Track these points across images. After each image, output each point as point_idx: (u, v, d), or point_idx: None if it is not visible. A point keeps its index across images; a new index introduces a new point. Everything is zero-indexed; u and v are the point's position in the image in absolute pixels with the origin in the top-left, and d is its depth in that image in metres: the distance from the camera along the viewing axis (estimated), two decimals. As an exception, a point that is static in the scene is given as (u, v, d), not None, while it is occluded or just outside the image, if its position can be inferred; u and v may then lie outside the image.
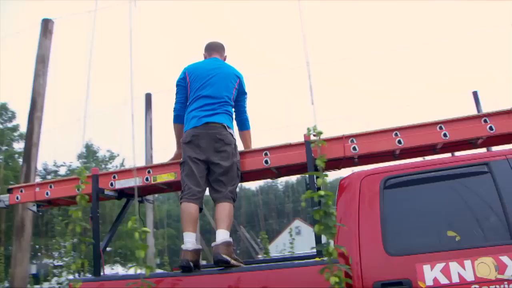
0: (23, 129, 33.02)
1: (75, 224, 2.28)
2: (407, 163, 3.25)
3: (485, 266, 2.57)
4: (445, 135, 3.39)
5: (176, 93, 3.92)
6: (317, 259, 3.11)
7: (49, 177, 33.56)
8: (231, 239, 3.30)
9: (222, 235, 3.28)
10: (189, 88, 3.79)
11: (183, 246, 3.26)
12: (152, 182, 3.90)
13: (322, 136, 2.31)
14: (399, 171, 3.06)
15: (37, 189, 4.36)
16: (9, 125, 30.55)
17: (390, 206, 2.91)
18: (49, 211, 23.24)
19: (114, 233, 4.50)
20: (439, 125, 3.42)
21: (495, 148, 3.68)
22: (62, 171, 36.92)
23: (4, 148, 29.49)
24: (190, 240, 3.29)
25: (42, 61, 7.44)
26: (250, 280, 2.96)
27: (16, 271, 7.27)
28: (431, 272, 2.62)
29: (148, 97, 11.98)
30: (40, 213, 4.87)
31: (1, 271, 11.10)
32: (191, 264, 3.18)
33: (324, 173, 3.40)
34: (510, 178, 2.77)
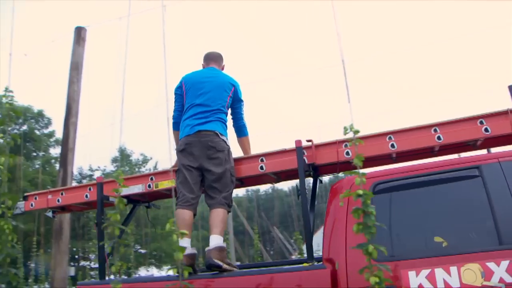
0: (58, 135, 33.81)
1: (113, 227, 2.33)
2: (398, 168, 3.22)
3: (471, 273, 2.54)
4: (439, 137, 3.33)
5: (174, 102, 4.03)
6: (305, 264, 3.11)
7: (84, 181, 34.26)
8: (224, 244, 3.40)
9: (215, 240, 3.36)
10: (184, 96, 3.91)
11: (187, 253, 3.33)
12: (154, 189, 4.01)
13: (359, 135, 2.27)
14: (389, 175, 3.04)
15: (50, 196, 4.58)
16: (46, 131, 31.33)
17: (379, 211, 2.72)
18: (85, 215, 23.69)
19: (120, 237, 4.53)
20: (434, 127, 3.35)
21: (494, 150, 3.54)
22: (97, 175, 37.64)
23: (41, 153, 30.21)
24: (185, 245, 3.34)
25: (76, 68, 7.60)
26: (241, 284, 3.03)
27: (56, 273, 7.44)
28: (416, 279, 2.61)
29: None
30: (55, 218, 5.14)
31: (42, 272, 11.39)
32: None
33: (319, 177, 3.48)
34: (501, 182, 2.70)
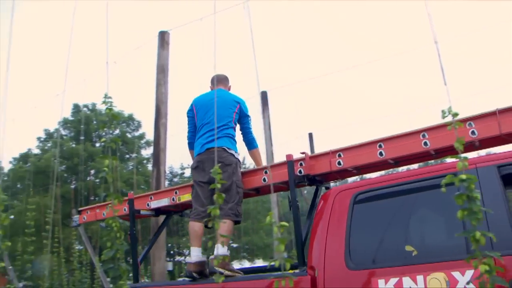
0: (149, 136, 35.33)
1: (213, 221, 2.45)
2: (379, 177, 3.35)
3: (436, 282, 2.56)
4: (425, 143, 3.27)
5: (187, 124, 4.47)
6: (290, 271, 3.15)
7: (175, 179, 35.54)
8: (228, 252, 3.77)
9: (219, 250, 3.68)
10: (196, 118, 4.32)
11: (188, 259, 3.88)
12: (177, 202, 4.41)
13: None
14: (369, 185, 3.15)
15: (97, 211, 5.24)
16: (137, 133, 32.82)
17: (357, 221, 2.98)
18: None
19: (153, 245, 5.48)
20: (422, 133, 3.29)
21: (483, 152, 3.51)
22: (187, 173, 38.84)
23: (133, 155, 31.67)
24: (194, 254, 3.84)
25: (162, 71, 7.90)
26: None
27: (155, 268, 7.78)
28: (385, 286, 2.67)
29: (264, 95, 12.25)
30: (107, 227, 5.52)
31: (141, 268, 12.03)
32: (194, 274, 3.75)
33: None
34: (476, 188, 2.56)
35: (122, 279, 2.60)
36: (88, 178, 33.09)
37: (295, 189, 3.58)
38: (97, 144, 37.37)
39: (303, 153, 3.71)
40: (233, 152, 4.09)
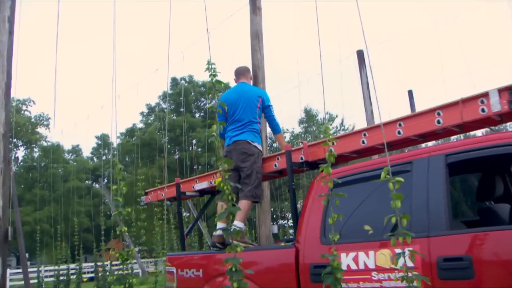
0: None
1: (327, 180, 2.52)
2: (352, 165, 3.89)
3: (383, 257, 3.07)
4: (399, 132, 3.72)
5: (217, 118, 5.12)
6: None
7: (274, 145, 35.96)
8: (243, 227, 4.57)
9: (238, 224, 4.48)
10: (227, 113, 4.95)
11: (214, 233, 4.65)
12: (213, 185, 5.02)
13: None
14: (344, 172, 3.70)
15: (159, 192, 6.16)
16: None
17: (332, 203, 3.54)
18: (281, 179, 24.95)
19: (197, 220, 7.04)
20: (399, 122, 3.74)
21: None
22: (286, 137, 39.14)
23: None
24: (220, 227, 4.44)
25: (256, 37, 7.98)
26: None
27: (261, 231, 8.00)
28: (346, 259, 3.26)
29: (360, 54, 11.96)
30: (171, 205, 6.63)
31: (247, 231, 12.48)
32: (218, 244, 4.51)
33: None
34: (423, 175, 3.09)
35: (235, 242, 2.74)
36: (190, 148, 34.48)
37: (292, 176, 4.34)
38: (197, 115, 38.69)
39: (302, 142, 4.38)
40: (256, 144, 4.82)
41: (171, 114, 36.70)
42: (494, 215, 3.47)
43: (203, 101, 40.68)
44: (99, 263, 14.38)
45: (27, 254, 17.56)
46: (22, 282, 18.33)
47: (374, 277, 3.12)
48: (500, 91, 3.22)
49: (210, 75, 2.91)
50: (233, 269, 2.68)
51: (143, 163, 29.56)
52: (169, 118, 35.12)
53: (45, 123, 47.71)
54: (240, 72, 5.28)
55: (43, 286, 16.27)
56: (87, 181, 44.16)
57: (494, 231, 2.84)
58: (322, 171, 2.84)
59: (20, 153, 44.22)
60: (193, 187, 5.56)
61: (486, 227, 3.10)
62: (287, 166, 4.32)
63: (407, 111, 13.07)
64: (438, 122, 3.52)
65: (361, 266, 3.21)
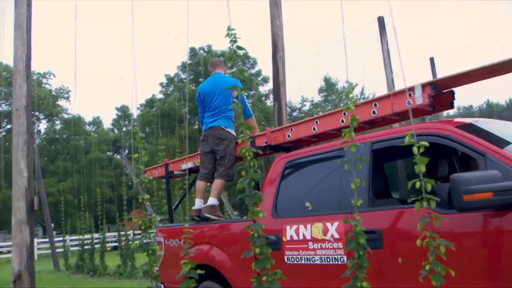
0: (265, 73, 35.68)
1: (353, 145, 2.51)
2: (306, 149, 4.46)
3: (316, 229, 3.63)
4: (342, 121, 4.13)
5: (198, 107, 5.77)
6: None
7: (294, 114, 35.83)
8: (216, 203, 5.21)
9: (210, 201, 5.18)
10: (203, 102, 5.57)
11: (193, 207, 5.42)
12: (197, 165, 5.77)
13: None
14: (297, 155, 4.27)
15: (153, 171, 6.67)
16: (253, 71, 33.26)
17: (285, 182, 4.17)
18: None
19: (184, 197, 7.23)
20: (343, 111, 4.09)
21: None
22: (306, 106, 38.90)
23: (251, 92, 32.30)
24: (197, 203, 5.38)
25: (274, 4, 7.97)
26: (210, 228, 4.80)
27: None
28: (289, 231, 3.82)
29: (381, 21, 11.72)
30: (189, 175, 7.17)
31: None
32: (195, 217, 5.27)
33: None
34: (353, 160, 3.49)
35: (256, 208, 2.77)
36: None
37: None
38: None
39: (266, 129, 4.96)
40: (229, 129, 5.33)
41: (190, 84, 36.76)
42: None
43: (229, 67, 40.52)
44: (122, 233, 14.67)
45: (52, 224, 18.04)
46: (49, 251, 18.92)
47: (310, 246, 3.70)
48: (424, 86, 3.59)
49: (230, 41, 2.89)
50: (255, 235, 2.74)
51: (163, 134, 29.79)
52: (189, 88, 35.17)
53: (66, 95, 48.27)
54: (216, 64, 5.80)
55: (69, 255, 16.75)
56: (108, 152, 44.80)
57: (399, 209, 3.44)
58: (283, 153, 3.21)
59: (42, 126, 44.99)
60: (180, 167, 6.16)
61: (395, 205, 3.81)
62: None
63: (429, 78, 12.90)
64: (374, 112, 3.97)
65: (301, 237, 3.78)
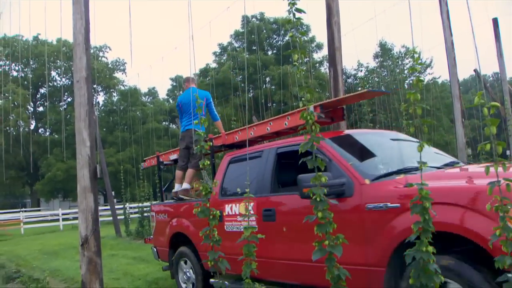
0: (318, 39, 35.10)
1: (414, 107, 2.48)
2: (241, 149, 6.00)
3: (242, 207, 5.06)
4: (267, 129, 5.95)
5: (178, 114, 7.61)
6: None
7: (349, 80, 35.25)
8: (188, 187, 6.86)
9: (184, 186, 6.89)
10: (182, 110, 7.34)
11: (173, 190, 7.21)
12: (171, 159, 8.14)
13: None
14: (236, 154, 5.91)
15: (151, 160, 8.89)
16: (306, 38, 32.85)
17: (228, 173, 5.78)
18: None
19: (173, 180, 8.20)
20: (269, 121, 5.98)
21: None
22: (362, 72, 38.17)
23: (306, 59, 31.93)
24: (176, 187, 7.11)
25: (331, -34, 7.68)
26: (186, 206, 6.45)
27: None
28: (227, 208, 5.40)
29: (439, -21, 11.25)
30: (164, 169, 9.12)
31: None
32: (175, 198, 7.09)
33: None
34: (265, 160, 5.21)
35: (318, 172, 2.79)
36: (264, 86, 34.57)
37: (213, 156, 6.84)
38: (269, 53, 38.48)
39: (223, 133, 6.79)
40: (199, 131, 6.85)
41: (244, 52, 36.75)
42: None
43: (275, 39, 40.29)
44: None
45: (113, 192, 18.74)
46: (110, 218, 19.74)
47: (238, 218, 5.26)
48: (315, 106, 4.97)
49: (289, 4, 2.89)
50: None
51: (218, 103, 30.06)
52: (242, 56, 35.21)
53: (122, 68, 49.45)
54: (189, 80, 7.59)
55: (129, 222, 17.42)
56: (164, 122, 45.74)
57: (285, 195, 4.88)
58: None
59: (100, 98, 46.38)
60: (169, 158, 8.05)
61: (284, 192, 5.19)
62: (211, 151, 6.59)
63: (491, 40, 12.48)
64: (285, 124, 5.62)
65: (233, 212, 5.36)
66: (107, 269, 8.34)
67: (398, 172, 4.05)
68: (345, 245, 3.19)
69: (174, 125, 44.89)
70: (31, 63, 44.90)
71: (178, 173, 7.18)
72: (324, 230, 3.05)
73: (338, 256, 3.09)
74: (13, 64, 44.03)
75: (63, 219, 28.28)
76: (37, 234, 23.46)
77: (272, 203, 4.82)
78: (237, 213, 5.18)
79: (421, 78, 2.73)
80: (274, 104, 32.07)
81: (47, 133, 46.53)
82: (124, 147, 35.75)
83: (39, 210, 40.21)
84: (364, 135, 5.16)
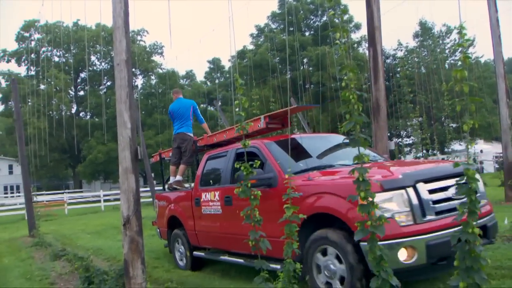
0: (357, 19, 34.50)
1: (461, 84, 2.40)
2: (215, 149, 7.46)
3: (211, 194, 6.60)
4: (238, 131, 6.61)
5: (171, 120, 9.03)
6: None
7: (388, 60, 34.60)
8: (181, 179, 8.46)
9: (177, 178, 8.42)
10: (173, 117, 8.81)
11: (169, 182, 8.72)
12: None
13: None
14: (211, 153, 7.35)
15: (156, 157, 10.50)
16: (345, 17, 32.43)
17: (206, 167, 7.24)
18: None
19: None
20: (226, 131, 7.70)
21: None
22: (402, 51, 37.40)
23: (343, 40, 31.44)
24: (171, 179, 8.63)
25: None
26: (177, 194, 8.07)
27: (378, 147, 7.93)
28: (203, 195, 6.83)
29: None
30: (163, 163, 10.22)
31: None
32: (170, 188, 8.60)
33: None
34: (228, 158, 6.60)
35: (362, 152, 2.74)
36: (302, 67, 34.30)
37: (197, 153, 8.49)
38: (307, 33, 38.09)
39: (204, 135, 8.42)
40: (189, 133, 8.57)
41: (281, 33, 36.48)
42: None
43: (313, 19, 39.81)
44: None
45: (152, 174, 19.03)
46: (150, 199, 20.07)
47: (210, 203, 6.71)
48: (265, 117, 6.73)
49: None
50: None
51: (256, 84, 30.00)
52: (279, 38, 34.97)
53: (159, 51, 49.85)
54: (177, 92, 9.24)
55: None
56: (202, 105, 46.07)
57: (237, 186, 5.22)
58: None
59: (139, 81, 46.95)
60: (169, 155, 9.30)
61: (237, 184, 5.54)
62: (194, 149, 8.47)
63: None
64: (258, 125, 6.84)
65: (207, 199, 6.78)
66: (148, 248, 8.52)
67: (312, 169, 5.28)
68: (270, 222, 4.65)
69: (212, 107, 45.18)
70: (72, 48, 45.81)
71: (172, 168, 8.72)
72: (248, 213, 4.24)
73: (259, 229, 4.26)
74: (55, 50, 45.08)
75: (105, 200, 29.00)
76: (80, 214, 24.24)
77: (230, 192, 6.04)
78: (209, 199, 6.69)
79: (468, 55, 2.62)
80: (312, 86, 31.83)
81: (88, 117, 47.58)
82: (162, 130, 36.20)
83: (81, 192, 41.39)
84: (303, 139, 6.40)
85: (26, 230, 15.18)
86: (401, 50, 39.04)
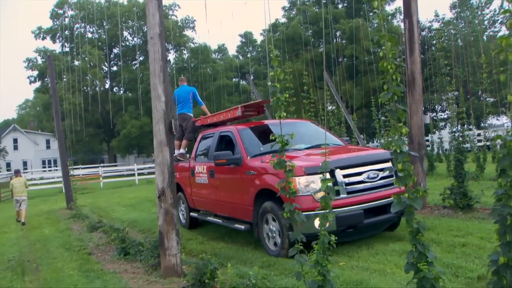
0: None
1: (506, 52, 2.30)
2: (207, 130, 9.11)
3: (201, 167, 8.35)
4: (223, 116, 8.77)
5: (175, 102, 10.52)
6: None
7: (423, 33, 33.71)
8: (183, 152, 10.08)
9: (181, 151, 10.00)
10: (176, 100, 10.43)
11: (174, 154, 7.41)
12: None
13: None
14: (204, 133, 9.04)
15: (200, 120, 10.56)
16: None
17: (200, 146, 8.91)
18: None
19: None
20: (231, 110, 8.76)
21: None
22: (438, 24, 36.47)
23: (377, 11, 30.86)
24: (176, 152, 9.66)
25: None
26: (180, 165, 9.57)
27: (413, 121, 7.79)
28: (196, 167, 8.58)
29: None
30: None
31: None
32: (175, 159, 9.42)
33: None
34: (214, 139, 8.20)
35: (400, 123, 2.66)
36: (334, 41, 33.82)
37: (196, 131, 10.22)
38: (340, 6, 37.42)
39: (201, 117, 9.81)
40: (189, 113, 10.20)
41: (314, 6, 35.94)
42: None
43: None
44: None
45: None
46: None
47: (200, 175, 8.33)
48: (241, 106, 8.15)
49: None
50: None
51: (288, 57, 29.75)
52: (312, 11, 34.47)
53: (191, 25, 49.79)
54: (182, 80, 10.84)
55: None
56: (234, 79, 46.03)
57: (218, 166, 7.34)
58: None
59: (171, 56, 47.15)
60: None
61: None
62: (192, 127, 10.11)
63: None
64: (237, 113, 8.18)
65: (199, 171, 8.42)
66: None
67: (271, 152, 5.54)
68: (236, 193, 7.11)
69: (244, 81, 45.10)
70: (104, 24, 46.19)
71: (176, 142, 9.93)
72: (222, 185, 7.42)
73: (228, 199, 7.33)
74: (88, 26, 45.52)
75: (138, 174, 29.52)
76: (115, 188, 24.80)
77: (213, 166, 7.65)
78: (200, 171, 8.37)
79: (512, 22, 2.50)
80: (345, 59, 31.40)
81: (121, 92, 48.17)
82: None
83: (115, 166, 42.18)
84: (274, 126, 7.35)
85: (64, 202, 15.74)
86: (438, 22, 38.05)
